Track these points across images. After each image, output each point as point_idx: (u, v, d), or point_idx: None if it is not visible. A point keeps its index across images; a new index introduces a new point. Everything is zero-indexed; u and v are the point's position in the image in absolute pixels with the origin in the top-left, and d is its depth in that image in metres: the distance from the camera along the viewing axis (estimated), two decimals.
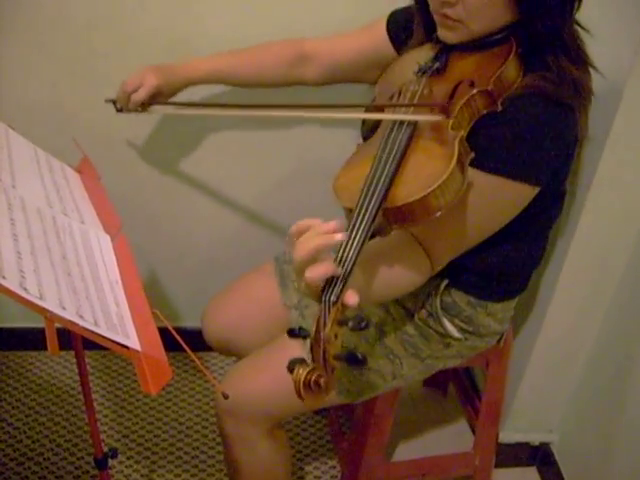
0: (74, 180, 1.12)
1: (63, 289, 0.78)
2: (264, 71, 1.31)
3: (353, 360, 0.69)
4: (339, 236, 0.72)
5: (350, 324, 0.70)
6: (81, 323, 0.75)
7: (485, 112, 0.90)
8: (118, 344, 0.78)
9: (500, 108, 0.90)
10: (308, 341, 0.71)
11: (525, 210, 0.98)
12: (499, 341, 1.27)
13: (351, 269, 0.74)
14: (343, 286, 0.72)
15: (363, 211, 0.80)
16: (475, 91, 0.89)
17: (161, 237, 1.75)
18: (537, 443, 1.65)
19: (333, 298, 0.71)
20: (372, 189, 0.82)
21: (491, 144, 0.90)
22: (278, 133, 1.60)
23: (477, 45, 0.96)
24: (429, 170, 0.83)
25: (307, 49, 1.29)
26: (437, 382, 1.84)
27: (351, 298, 0.71)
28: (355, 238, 0.76)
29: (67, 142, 1.24)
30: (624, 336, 1.37)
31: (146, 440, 1.65)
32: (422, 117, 0.91)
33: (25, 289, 0.72)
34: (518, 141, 0.90)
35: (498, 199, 0.94)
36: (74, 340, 1.05)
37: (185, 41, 1.45)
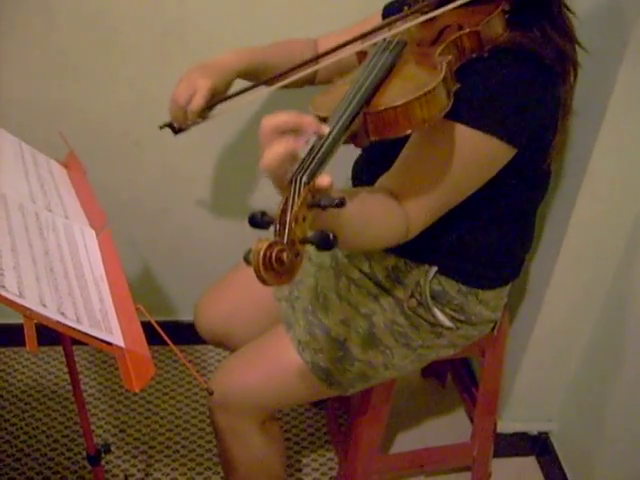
0: (60, 174, 1.11)
1: (44, 286, 0.77)
2: (295, 62, 1.23)
3: (323, 241, 0.63)
4: (312, 127, 0.70)
5: (322, 202, 0.65)
6: (62, 320, 0.74)
7: (472, 55, 0.91)
8: (101, 340, 0.77)
9: (487, 54, 0.90)
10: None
11: (509, 187, 0.98)
12: (493, 329, 1.26)
13: (325, 157, 0.70)
14: (318, 168, 0.68)
15: (341, 113, 0.78)
16: (464, 31, 0.89)
17: (156, 231, 1.74)
18: (536, 432, 1.65)
19: (305, 179, 0.66)
20: (353, 94, 0.81)
21: (471, 96, 0.90)
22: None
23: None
24: (415, 82, 0.82)
25: (319, 47, 1.27)
26: (435, 372, 1.83)
27: (325, 179, 0.67)
28: (331, 132, 0.73)
29: (55, 136, 1.23)
30: (621, 325, 1.36)
31: (142, 434, 1.65)
32: (411, 23, 0.90)
33: (3, 287, 0.71)
34: (498, 96, 0.90)
35: (472, 153, 0.93)
36: (62, 336, 1.04)
37: (177, 29, 1.44)
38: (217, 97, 1.12)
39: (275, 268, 0.60)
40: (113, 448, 1.59)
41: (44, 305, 0.74)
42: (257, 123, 1.50)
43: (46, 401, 1.71)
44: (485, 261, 1.12)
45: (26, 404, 1.69)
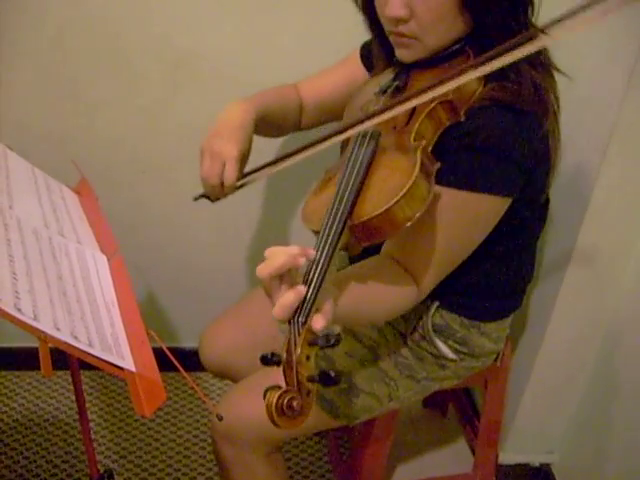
0: (72, 201, 1.13)
1: (58, 310, 0.78)
2: (288, 111, 1.23)
3: (326, 379, 0.68)
4: (302, 260, 0.72)
5: (320, 342, 0.69)
6: (75, 344, 0.75)
7: (449, 124, 0.90)
8: (113, 365, 0.77)
9: (463, 118, 0.90)
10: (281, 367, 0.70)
11: (506, 225, 0.98)
12: (496, 360, 1.26)
13: (318, 289, 0.72)
14: (311, 306, 0.71)
15: (327, 230, 0.79)
16: (436, 103, 0.89)
17: (160, 258, 1.75)
18: (537, 464, 1.64)
19: (302, 319, 0.70)
20: (336, 208, 0.81)
21: (457, 159, 0.90)
22: (275, 151, 1.61)
23: (435, 60, 0.96)
24: (393, 183, 0.81)
25: (302, 93, 1.26)
26: (437, 402, 1.83)
27: (318, 322, 0.70)
28: (321, 258, 0.75)
29: (67, 163, 1.25)
30: (623, 357, 1.36)
31: (143, 461, 1.64)
32: (379, 119, 0.88)
33: (19, 310, 0.72)
34: (482, 152, 0.90)
35: (471, 214, 0.94)
36: (70, 360, 1.05)
37: (187, 59, 1.47)
38: (245, 160, 1.08)
39: (287, 415, 0.66)
40: (115, 474, 1.59)
41: (58, 328, 0.75)
42: (264, 154, 1.51)
43: (47, 426, 1.70)
44: (486, 294, 1.13)
45: (27, 429, 1.69)
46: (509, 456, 1.62)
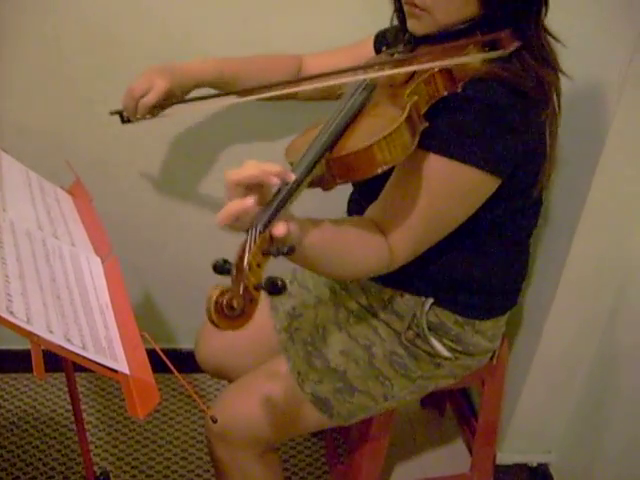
0: (66, 202, 1.12)
1: (51, 312, 0.78)
2: (269, 79, 1.24)
3: (273, 287, 0.68)
4: (275, 179, 0.72)
5: (272, 251, 0.70)
6: (69, 347, 0.74)
7: (445, 93, 0.91)
8: (106, 367, 0.77)
9: (460, 90, 0.90)
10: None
11: (499, 217, 0.99)
12: (492, 359, 1.26)
13: (283, 204, 0.73)
14: (272, 218, 0.72)
15: (305, 158, 0.81)
16: (436, 69, 0.90)
17: (156, 259, 1.75)
18: (535, 464, 1.64)
19: (260, 228, 0.71)
20: (318, 140, 0.83)
21: (449, 128, 0.91)
22: (272, 152, 1.60)
23: (442, 36, 0.97)
24: (378, 125, 0.83)
25: (304, 66, 1.31)
26: (434, 402, 1.83)
27: (279, 228, 0.71)
28: (290, 179, 0.76)
29: (61, 165, 1.25)
30: (620, 356, 1.36)
31: (140, 463, 1.64)
32: (377, 74, 0.92)
33: (12, 312, 0.71)
34: (476, 126, 0.90)
35: (456, 185, 0.94)
36: (65, 363, 1.04)
37: (185, 59, 1.45)
38: (171, 99, 1.17)
39: (227, 313, 0.65)
40: (111, 476, 1.58)
41: (51, 331, 0.74)
42: (260, 152, 1.51)
43: (43, 428, 1.70)
44: (480, 291, 1.13)
45: (23, 431, 1.68)
46: (507, 456, 1.62)
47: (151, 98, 1.14)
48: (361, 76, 0.94)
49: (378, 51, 1.22)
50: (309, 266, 0.90)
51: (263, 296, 1.37)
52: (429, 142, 0.89)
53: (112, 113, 1.22)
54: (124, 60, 1.45)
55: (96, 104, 1.50)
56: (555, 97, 0.97)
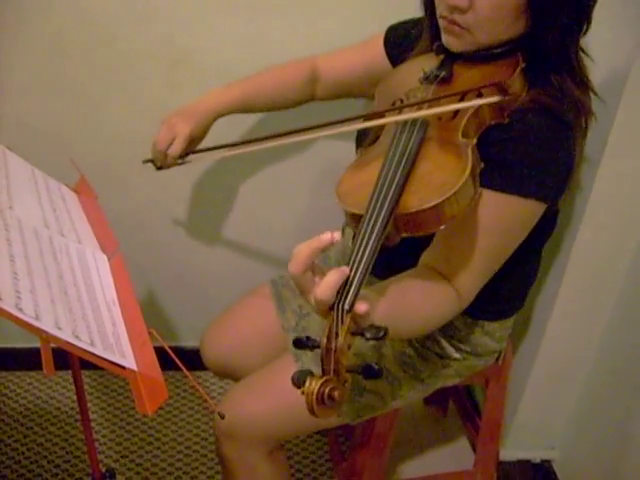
0: (71, 200, 1.12)
1: (59, 309, 0.78)
2: (286, 90, 1.27)
3: (369, 372, 0.65)
4: (327, 236, 0.70)
5: (367, 334, 0.66)
6: (77, 343, 0.75)
7: (492, 123, 0.89)
8: (114, 364, 0.77)
9: (507, 120, 0.88)
10: (318, 352, 0.67)
11: None
12: (497, 359, 1.26)
13: (364, 277, 0.70)
14: (357, 293, 0.69)
15: (375, 216, 0.76)
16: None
17: (160, 257, 1.75)
18: (538, 460, 1.64)
19: (347, 307, 0.67)
20: (383, 194, 0.78)
21: (500, 162, 0.89)
22: (276, 149, 1.60)
23: (482, 56, 0.94)
24: (442, 177, 0.80)
25: (317, 66, 1.29)
26: (437, 400, 1.83)
27: (362, 306, 0.68)
28: (368, 244, 0.73)
29: (66, 162, 1.25)
30: (624, 352, 1.37)
31: (145, 460, 1.64)
32: (435, 111, 0.87)
33: (21, 309, 0.72)
34: (527, 158, 0.88)
35: (510, 218, 0.92)
36: (71, 360, 1.04)
37: (186, 60, 1.46)
38: (194, 142, 1.21)
39: (327, 404, 0.63)
40: (116, 474, 1.59)
41: (59, 328, 0.74)
42: (271, 156, 1.49)
43: (48, 426, 1.70)
44: (491, 295, 1.11)
45: (28, 429, 1.69)
46: (510, 452, 1.62)
47: (177, 148, 1.17)
48: (411, 115, 0.89)
49: (391, 50, 1.19)
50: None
51: (268, 295, 1.37)
52: (483, 180, 0.86)
53: (145, 162, 1.26)
54: (126, 60, 1.45)
55: (99, 103, 1.51)
56: (586, 119, 0.96)
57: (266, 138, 1.06)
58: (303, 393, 0.63)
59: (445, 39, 0.95)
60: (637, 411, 1.32)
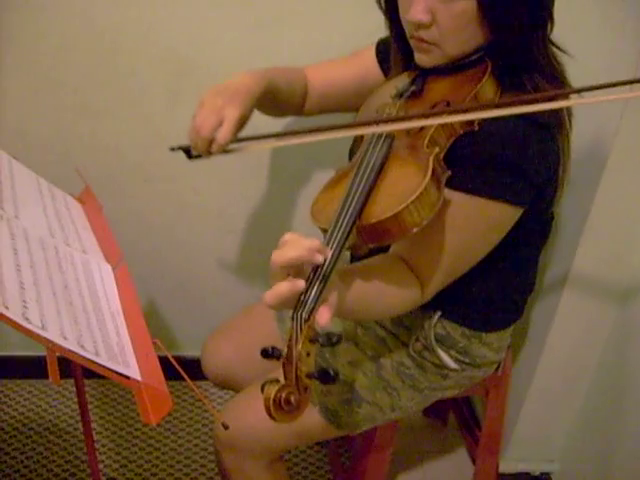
0: (76, 210, 1.13)
1: (64, 319, 0.79)
2: (294, 90, 1.21)
3: (325, 377, 0.69)
4: (320, 257, 0.72)
5: (320, 340, 0.70)
6: (82, 353, 0.75)
7: (462, 132, 0.91)
8: (119, 374, 0.78)
9: (477, 128, 0.90)
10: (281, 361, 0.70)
11: (511, 238, 0.98)
12: (497, 370, 1.27)
13: (323, 288, 0.73)
14: (315, 304, 0.71)
15: (337, 229, 0.79)
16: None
17: (162, 267, 1.76)
18: (538, 473, 1.64)
19: (305, 315, 0.70)
20: (346, 207, 0.81)
21: (470, 164, 0.90)
22: (280, 161, 1.62)
23: (453, 68, 0.97)
24: (403, 187, 0.82)
25: (308, 78, 1.27)
26: (437, 411, 1.83)
27: (323, 317, 0.71)
28: (330, 255, 0.75)
29: (70, 172, 1.26)
30: (624, 365, 1.37)
31: (145, 470, 1.64)
32: (396, 126, 0.90)
33: (27, 319, 0.72)
34: (497, 160, 0.90)
35: (482, 221, 0.94)
36: (74, 369, 1.05)
37: (189, 72, 1.47)
38: (242, 126, 1.02)
39: (285, 409, 0.67)
40: None
41: (65, 337, 0.75)
42: (262, 159, 1.49)
43: (47, 435, 1.70)
44: (488, 305, 1.13)
45: (29, 437, 1.69)
46: (510, 465, 1.62)
47: (228, 133, 0.97)
48: (379, 128, 0.92)
49: (383, 62, 1.21)
50: (346, 318, 0.89)
51: (266, 308, 1.37)
52: (453, 182, 0.88)
53: (173, 149, 1.06)
54: (130, 68, 1.46)
55: (102, 113, 1.52)
56: (567, 118, 0.97)
57: (315, 130, 0.96)
58: (262, 392, 0.67)
59: (417, 57, 0.98)
60: (638, 423, 1.32)
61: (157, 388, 0.78)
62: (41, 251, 0.89)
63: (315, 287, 0.72)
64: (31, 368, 1.80)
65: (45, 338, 0.72)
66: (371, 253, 0.90)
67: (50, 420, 1.74)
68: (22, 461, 1.62)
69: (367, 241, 0.83)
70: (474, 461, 1.56)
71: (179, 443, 1.72)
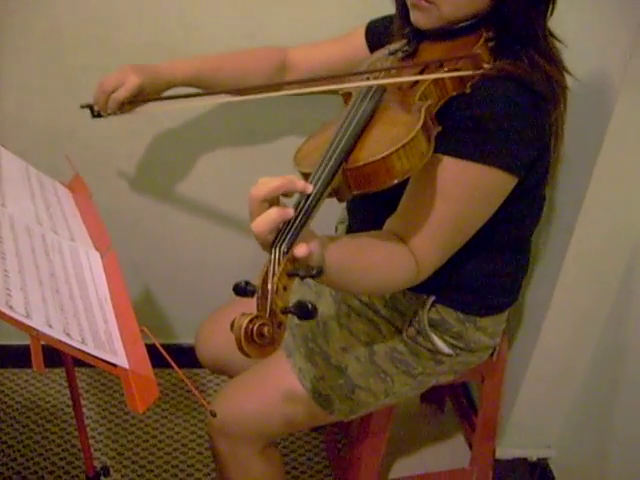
0: (65, 197, 1.12)
1: (50, 307, 0.78)
2: (247, 77, 1.27)
3: (303, 311, 0.65)
4: (301, 184, 0.72)
5: (300, 273, 0.68)
6: (68, 341, 0.75)
7: (454, 94, 0.90)
8: (106, 362, 0.77)
9: (469, 90, 0.89)
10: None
11: (503, 217, 0.97)
12: (492, 355, 1.26)
13: (305, 222, 0.71)
14: (296, 237, 0.70)
15: (321, 169, 0.78)
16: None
17: (155, 253, 1.75)
18: (535, 459, 1.64)
19: (284, 248, 0.69)
20: (332, 150, 0.81)
21: (462, 129, 0.89)
22: (270, 147, 1.60)
23: (447, 32, 0.95)
24: (393, 133, 0.81)
25: (289, 58, 1.29)
26: (434, 398, 1.83)
27: (301, 249, 0.69)
28: (310, 195, 0.74)
29: (60, 160, 1.24)
30: (620, 351, 1.36)
31: (140, 458, 1.64)
32: (387, 81, 0.90)
33: (11, 307, 0.71)
34: (489, 125, 0.88)
35: (475, 187, 0.92)
36: (65, 357, 1.05)
37: (183, 56, 1.45)
38: (142, 97, 1.17)
39: (257, 341, 0.62)
40: (111, 471, 1.59)
41: (50, 326, 0.74)
42: (255, 144, 1.49)
43: (44, 423, 1.70)
44: (482, 289, 1.13)
45: (24, 426, 1.69)
46: (506, 451, 1.62)
47: (122, 93, 1.14)
48: (369, 83, 0.92)
49: (372, 42, 1.20)
50: (335, 285, 0.88)
51: None
52: (444, 146, 0.88)
53: (83, 106, 1.23)
54: (123, 55, 1.44)
55: (90, 95, 1.50)
56: (562, 97, 0.96)
57: (220, 92, 1.12)
58: (232, 328, 0.63)
59: (413, 17, 0.97)
60: (635, 409, 1.31)
61: (144, 376, 0.78)
62: (27, 239, 0.89)
63: (297, 220, 0.71)
64: (25, 357, 1.77)
65: (29, 326, 0.71)
66: (354, 203, 0.88)
67: (46, 409, 1.74)
68: (18, 449, 1.62)
69: (352, 186, 0.81)
70: (471, 447, 1.56)
71: (174, 430, 1.72)
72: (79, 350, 0.75)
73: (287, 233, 0.70)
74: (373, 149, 0.80)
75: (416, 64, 0.94)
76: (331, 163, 0.79)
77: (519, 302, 1.26)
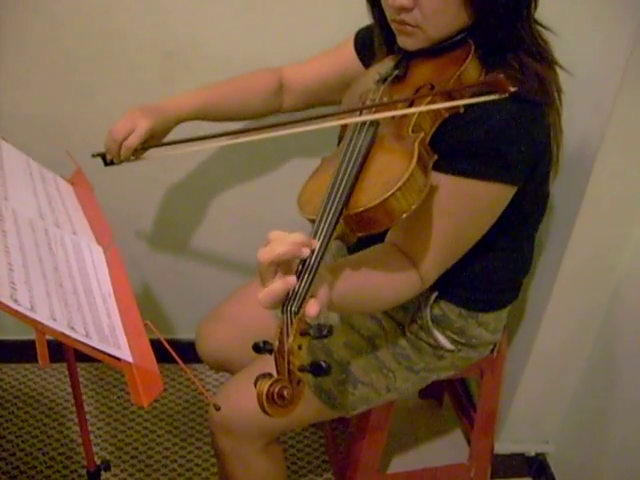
0: (67, 192, 1.12)
1: (54, 301, 0.78)
2: (250, 101, 1.28)
3: (317, 370, 0.69)
4: (306, 251, 0.72)
5: (311, 332, 0.70)
6: (72, 335, 0.75)
7: (448, 115, 0.90)
8: (110, 356, 0.77)
9: (462, 110, 0.89)
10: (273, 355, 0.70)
11: (507, 217, 0.98)
12: (492, 351, 1.26)
13: (312, 280, 0.72)
14: (304, 296, 0.71)
15: (324, 220, 0.79)
16: (435, 95, 0.88)
17: (155, 248, 1.75)
18: (533, 454, 1.65)
19: (294, 308, 0.70)
20: (332, 197, 0.81)
21: (458, 148, 0.90)
22: (272, 146, 1.60)
23: (436, 50, 0.96)
24: (389, 174, 0.81)
25: (285, 77, 1.30)
26: (432, 393, 1.84)
27: (312, 309, 0.70)
28: (315, 248, 0.75)
29: (61, 154, 1.24)
30: (618, 347, 1.37)
31: (140, 452, 1.64)
32: (381, 115, 0.90)
33: (16, 301, 0.71)
34: (485, 140, 0.89)
35: (475, 202, 0.93)
36: (66, 352, 1.04)
37: (181, 51, 1.46)
38: (154, 140, 1.16)
39: (278, 403, 0.67)
40: (111, 465, 1.59)
41: (54, 319, 0.74)
42: (266, 152, 1.48)
43: (43, 418, 1.70)
44: (485, 285, 1.13)
45: (23, 421, 1.69)
46: (505, 446, 1.63)
47: (134, 140, 1.12)
48: (363, 118, 0.91)
49: (361, 52, 1.20)
50: (344, 313, 0.89)
51: (261, 290, 1.38)
52: (442, 165, 0.88)
53: (94, 155, 1.21)
54: (124, 49, 1.45)
55: (94, 93, 1.50)
56: (556, 94, 0.96)
57: (222, 135, 1.08)
58: (255, 386, 0.67)
59: (400, 41, 0.97)
60: (632, 405, 1.32)
61: (148, 370, 0.78)
62: (31, 233, 0.88)
63: (304, 280, 0.72)
64: (25, 352, 1.80)
65: (34, 320, 0.71)
66: (360, 241, 0.89)
67: (45, 403, 1.74)
68: (17, 444, 1.62)
69: (355, 230, 0.82)
70: (469, 442, 1.57)
71: (175, 426, 1.72)
72: (83, 344, 0.75)
73: (296, 293, 0.71)
74: (370, 193, 0.80)
75: (408, 87, 0.94)
76: (332, 213, 0.79)
77: (519, 298, 1.26)
